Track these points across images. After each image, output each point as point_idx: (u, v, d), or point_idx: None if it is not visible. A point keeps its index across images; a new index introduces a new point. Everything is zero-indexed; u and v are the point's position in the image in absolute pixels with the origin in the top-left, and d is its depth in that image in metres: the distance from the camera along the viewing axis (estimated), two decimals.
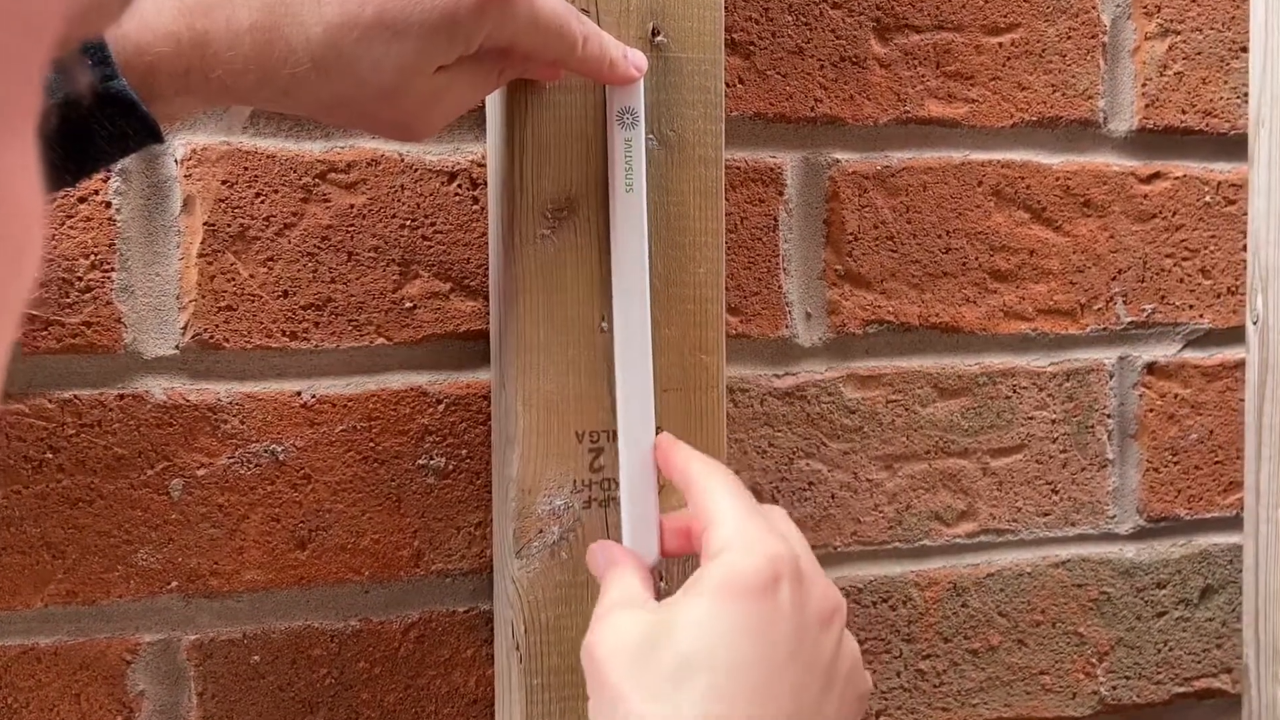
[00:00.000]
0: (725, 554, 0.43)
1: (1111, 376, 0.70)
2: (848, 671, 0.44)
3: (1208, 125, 0.71)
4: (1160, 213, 0.70)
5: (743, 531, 0.43)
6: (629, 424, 0.52)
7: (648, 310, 0.52)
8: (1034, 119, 0.67)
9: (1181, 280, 0.71)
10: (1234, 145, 0.71)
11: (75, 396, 0.54)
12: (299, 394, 0.56)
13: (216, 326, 0.55)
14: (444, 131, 0.57)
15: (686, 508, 0.49)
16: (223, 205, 0.55)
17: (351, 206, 0.56)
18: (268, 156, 0.55)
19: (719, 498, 0.45)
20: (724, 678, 0.40)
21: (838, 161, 0.64)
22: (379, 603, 0.58)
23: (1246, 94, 0.70)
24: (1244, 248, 0.71)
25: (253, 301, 0.55)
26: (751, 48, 0.62)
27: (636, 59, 0.50)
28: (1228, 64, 0.71)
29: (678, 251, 0.54)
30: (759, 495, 0.63)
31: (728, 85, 0.61)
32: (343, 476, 0.57)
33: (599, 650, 0.43)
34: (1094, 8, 0.68)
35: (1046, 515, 0.69)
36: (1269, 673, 0.68)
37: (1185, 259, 0.71)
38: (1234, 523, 0.72)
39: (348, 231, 0.57)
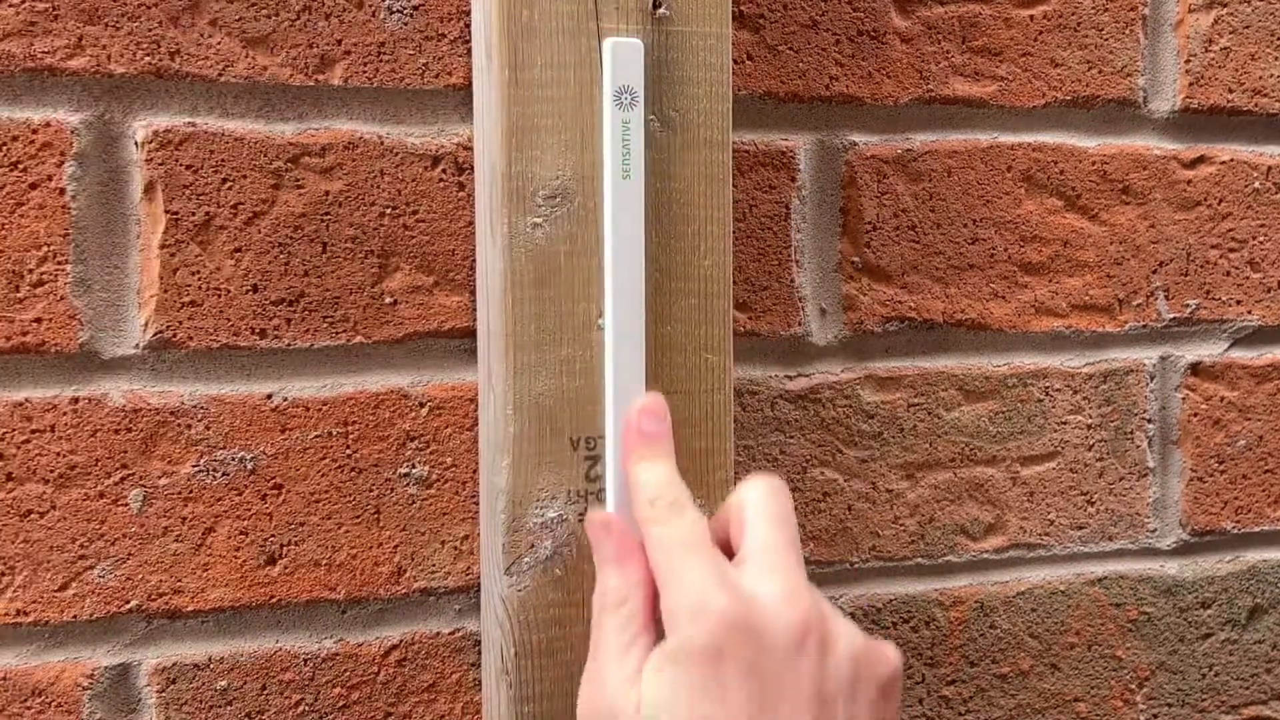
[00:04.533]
0: (677, 629, 0.44)
1: (1152, 378, 0.69)
2: (847, 677, 0.44)
3: (1257, 105, 0.70)
4: (1205, 200, 0.69)
5: (690, 594, 0.45)
6: (619, 429, 0.52)
7: (642, 306, 0.52)
8: (1068, 98, 0.67)
9: (1228, 273, 0.70)
10: None
11: (26, 399, 0.53)
12: (269, 397, 0.56)
13: (180, 324, 0.54)
14: (427, 112, 0.57)
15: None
16: (187, 191, 0.54)
17: (327, 193, 0.56)
18: (235, 139, 0.54)
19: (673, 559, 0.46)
20: None
21: (855, 144, 0.63)
22: (356, 623, 0.57)
23: None
24: None
25: (219, 296, 0.55)
26: (761, 21, 0.61)
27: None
28: (1279, 39, 0.70)
29: (681, 242, 0.54)
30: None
31: (735, 61, 0.61)
32: (317, 486, 0.56)
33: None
34: None
35: (1081, 529, 0.68)
36: None
37: (1232, 250, 0.70)
38: None
39: (322, 220, 0.56)
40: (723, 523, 0.49)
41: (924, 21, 0.64)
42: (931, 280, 0.65)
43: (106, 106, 0.53)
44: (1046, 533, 0.68)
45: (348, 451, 0.57)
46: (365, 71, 0.56)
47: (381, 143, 0.56)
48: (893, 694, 0.46)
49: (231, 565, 0.55)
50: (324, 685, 0.57)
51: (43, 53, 0.52)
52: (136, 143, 0.54)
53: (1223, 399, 0.71)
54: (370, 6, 0.56)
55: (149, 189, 0.54)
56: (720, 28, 0.53)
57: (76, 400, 0.53)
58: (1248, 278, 0.71)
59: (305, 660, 0.57)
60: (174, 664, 0.55)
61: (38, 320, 0.53)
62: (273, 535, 0.56)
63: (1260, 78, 0.70)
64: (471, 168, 0.57)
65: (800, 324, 0.63)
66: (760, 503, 0.48)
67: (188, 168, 0.54)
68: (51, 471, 0.53)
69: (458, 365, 0.58)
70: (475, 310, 0.57)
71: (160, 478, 0.54)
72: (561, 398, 0.52)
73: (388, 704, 0.58)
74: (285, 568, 0.56)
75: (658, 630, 0.46)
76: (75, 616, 0.54)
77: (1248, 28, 0.69)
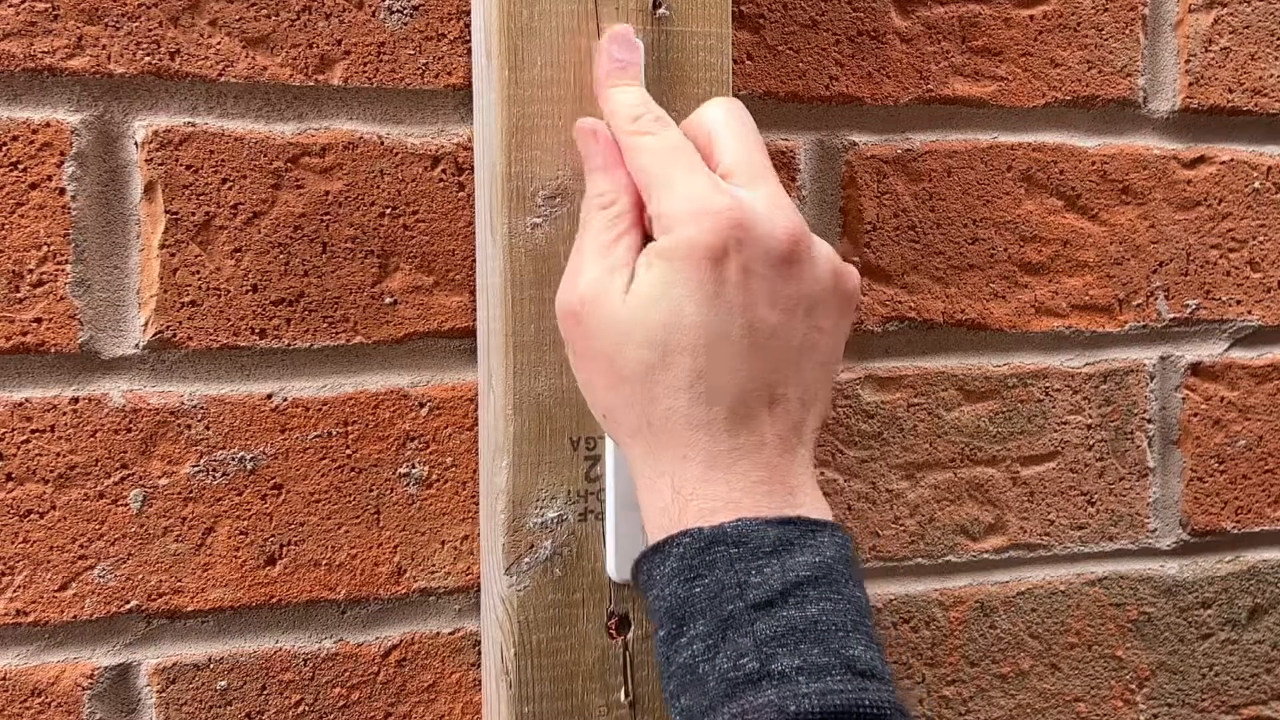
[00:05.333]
0: (674, 228, 0.46)
1: (1152, 378, 0.69)
2: (827, 286, 0.47)
3: (1256, 105, 0.70)
4: (1205, 200, 0.70)
5: (689, 197, 0.46)
6: None
7: None
8: (1068, 98, 0.67)
9: (1228, 273, 0.70)
10: None
11: (27, 400, 0.53)
12: (269, 397, 0.56)
13: (180, 324, 0.54)
14: (427, 112, 0.57)
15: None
16: (187, 192, 0.54)
17: (327, 193, 0.56)
18: (235, 139, 0.55)
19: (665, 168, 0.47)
20: (704, 358, 0.44)
21: (855, 144, 0.63)
22: (356, 623, 0.57)
23: None
24: None
25: (219, 296, 0.55)
26: (761, 21, 0.62)
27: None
28: (1279, 39, 0.70)
29: None
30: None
31: (736, 61, 0.61)
32: (317, 486, 0.56)
33: (591, 320, 0.46)
34: None
35: (1082, 529, 0.68)
36: None
37: (1232, 250, 0.70)
38: None
39: (322, 220, 0.56)
40: (691, 140, 0.49)
41: (924, 21, 0.64)
42: (931, 280, 0.65)
43: (106, 106, 0.53)
44: (1046, 533, 0.68)
45: (348, 451, 0.57)
46: (365, 71, 0.56)
47: (381, 143, 0.56)
48: (854, 306, 0.48)
49: (231, 565, 0.56)
50: (324, 685, 0.57)
51: (43, 53, 0.52)
52: (136, 143, 0.54)
53: (1223, 399, 0.71)
54: (370, 6, 0.56)
55: (149, 189, 0.54)
56: (720, 28, 0.54)
57: (76, 400, 0.54)
58: (1248, 278, 0.71)
59: (305, 660, 0.57)
60: (174, 664, 0.55)
61: (38, 320, 0.53)
62: (273, 535, 0.56)
63: (1260, 78, 0.70)
64: (471, 168, 0.57)
65: None
66: (727, 119, 0.49)
67: (188, 168, 0.54)
68: (51, 471, 0.53)
69: (458, 365, 0.58)
70: (475, 310, 0.58)
71: (160, 478, 0.55)
72: (561, 398, 0.52)
73: (388, 704, 0.58)
74: (285, 568, 0.56)
75: (644, 233, 0.48)
76: (75, 616, 0.54)
77: (1248, 28, 0.70)
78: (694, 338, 0.44)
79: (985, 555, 0.67)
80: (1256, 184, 0.71)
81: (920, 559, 0.66)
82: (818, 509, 0.45)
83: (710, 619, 0.42)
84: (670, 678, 0.43)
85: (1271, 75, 0.70)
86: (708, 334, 0.44)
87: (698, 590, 0.43)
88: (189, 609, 0.55)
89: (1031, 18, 0.66)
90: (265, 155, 0.55)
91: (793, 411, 0.46)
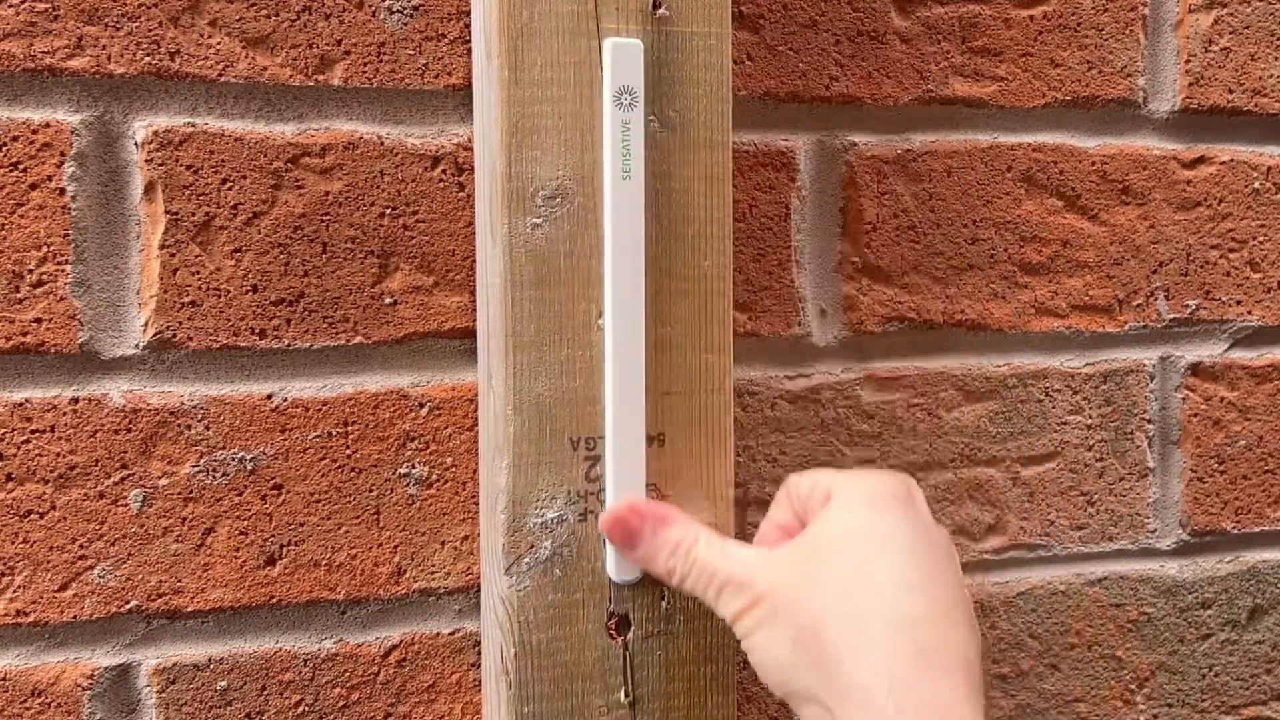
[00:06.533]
0: (855, 482, 0.49)
1: (1152, 378, 0.69)
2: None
3: (1257, 105, 0.70)
4: (1205, 200, 0.70)
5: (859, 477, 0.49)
6: (618, 429, 0.52)
7: (642, 306, 0.52)
8: (1068, 98, 0.67)
9: (1228, 274, 0.70)
10: None
11: (26, 400, 0.53)
12: (269, 397, 0.56)
13: (180, 324, 0.55)
14: (427, 112, 0.57)
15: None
16: (187, 192, 0.54)
17: (327, 193, 0.56)
18: (235, 139, 0.55)
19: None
20: (907, 568, 0.45)
21: (855, 145, 0.64)
22: (356, 623, 0.58)
23: None
24: None
25: (219, 297, 0.55)
26: (761, 21, 0.62)
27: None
28: (1279, 39, 0.70)
29: (681, 243, 0.54)
30: (769, 508, 0.63)
31: (735, 62, 0.61)
32: (317, 487, 0.57)
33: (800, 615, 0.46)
34: None
35: (1082, 529, 0.68)
36: None
37: (1232, 250, 0.70)
38: None
39: (322, 221, 0.56)
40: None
41: (924, 22, 0.64)
42: (931, 280, 0.65)
43: (106, 106, 0.53)
44: (1046, 533, 0.68)
45: (348, 451, 0.57)
46: (365, 71, 0.56)
47: (381, 143, 0.57)
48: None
49: (231, 565, 0.56)
50: (324, 686, 0.57)
51: (43, 53, 0.53)
52: (136, 143, 0.54)
53: (1223, 399, 0.71)
54: (370, 6, 0.56)
55: (149, 189, 0.54)
56: (720, 28, 0.54)
57: (76, 400, 0.54)
58: (1248, 278, 0.71)
59: (305, 660, 0.57)
60: (174, 664, 0.55)
61: (38, 320, 0.53)
62: (273, 535, 0.56)
63: (1260, 78, 0.70)
64: (471, 168, 0.57)
65: (800, 324, 0.63)
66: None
67: (188, 168, 0.54)
68: (51, 471, 0.54)
69: (458, 365, 0.58)
70: (475, 310, 0.58)
71: (160, 478, 0.55)
72: (561, 398, 0.53)
73: (388, 704, 0.58)
74: (285, 568, 0.56)
75: None
76: (75, 616, 0.54)
77: (1248, 28, 0.70)
78: None
79: (985, 555, 0.67)
80: (1256, 184, 0.71)
81: None
82: None
83: None
84: None
85: (1271, 75, 0.70)
86: None
87: None
88: (189, 609, 0.55)
89: (1031, 18, 0.66)
90: (265, 155, 0.55)
91: None
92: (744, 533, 0.62)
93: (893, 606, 0.44)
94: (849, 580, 0.45)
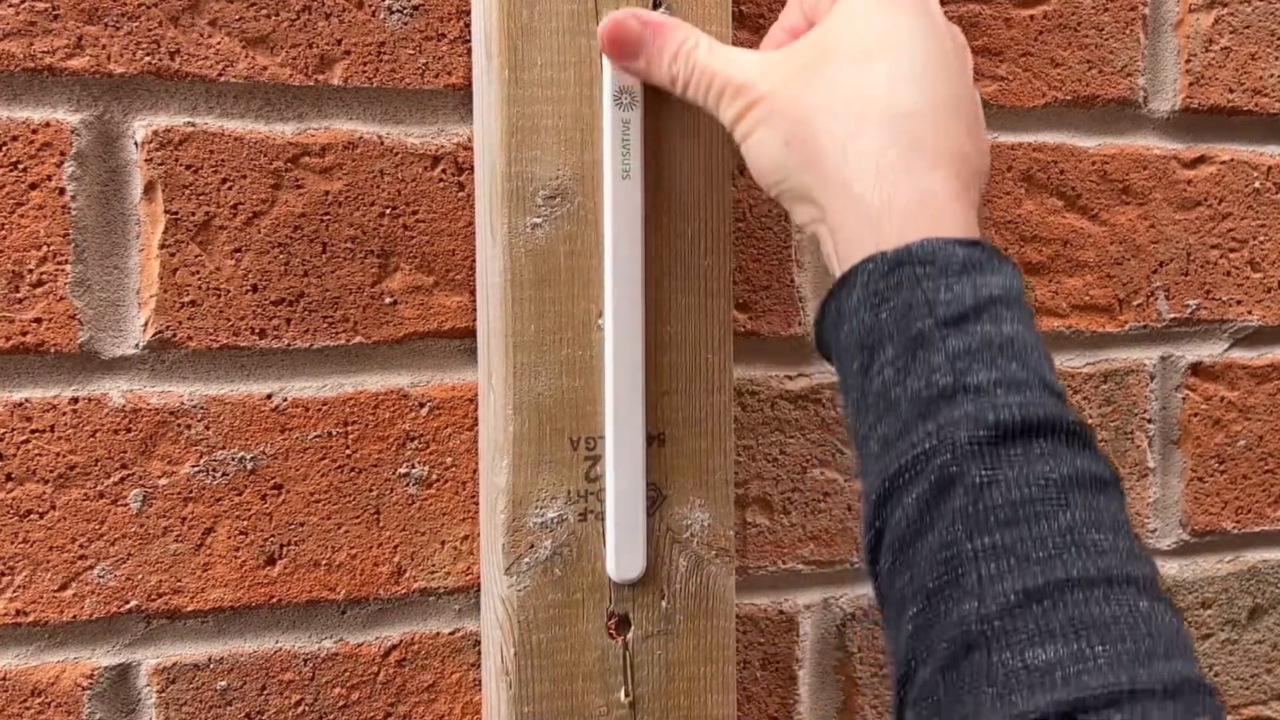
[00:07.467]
0: None
1: (1152, 378, 0.70)
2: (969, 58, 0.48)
3: (1257, 105, 0.70)
4: (1205, 200, 0.70)
5: None
6: (618, 429, 0.52)
7: (641, 306, 0.52)
8: (1068, 98, 0.67)
9: (1228, 273, 0.71)
10: None
11: (26, 399, 0.53)
12: (269, 397, 0.56)
13: (180, 324, 0.55)
14: (427, 112, 0.57)
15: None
16: (187, 192, 0.54)
17: (327, 193, 0.56)
18: (235, 139, 0.55)
19: None
20: (905, 63, 0.44)
21: None
22: (356, 623, 0.58)
23: None
24: None
25: (219, 296, 0.55)
26: (761, 20, 0.62)
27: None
28: (1279, 39, 0.70)
29: (682, 242, 0.54)
30: (769, 507, 0.63)
31: None
32: (317, 486, 0.57)
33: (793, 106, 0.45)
34: None
35: None
36: None
37: (1232, 250, 0.71)
38: None
39: (322, 220, 0.56)
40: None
41: None
42: None
43: (106, 106, 0.54)
44: None
45: (348, 451, 0.57)
46: (365, 71, 0.56)
47: (381, 143, 0.57)
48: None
49: (231, 565, 0.56)
50: (324, 685, 0.57)
51: (43, 53, 0.53)
52: (136, 143, 0.54)
53: (1223, 399, 0.71)
54: (370, 6, 0.56)
55: (149, 189, 0.54)
56: (720, 28, 0.54)
57: (76, 400, 0.54)
58: (1248, 278, 0.71)
59: (305, 660, 0.57)
60: (174, 664, 0.56)
61: (38, 320, 0.53)
62: (273, 535, 0.56)
63: (1260, 78, 0.70)
64: (471, 168, 0.58)
65: (800, 324, 0.64)
66: None
67: (188, 168, 0.54)
68: (51, 471, 0.54)
69: (458, 365, 0.58)
70: (475, 310, 0.58)
71: (160, 478, 0.55)
72: (561, 398, 0.53)
73: (388, 704, 0.58)
74: (285, 568, 0.57)
75: None
76: (75, 616, 0.54)
77: (1248, 28, 0.70)
78: None
79: None
80: (1257, 184, 0.71)
81: None
82: None
83: (899, 341, 0.41)
84: (867, 410, 0.42)
85: (1271, 75, 0.71)
86: None
87: (884, 315, 0.41)
88: (189, 609, 0.56)
89: (1031, 18, 0.66)
90: (265, 155, 0.55)
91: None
92: (744, 532, 0.63)
93: (887, 101, 0.43)
94: (845, 76, 0.44)
